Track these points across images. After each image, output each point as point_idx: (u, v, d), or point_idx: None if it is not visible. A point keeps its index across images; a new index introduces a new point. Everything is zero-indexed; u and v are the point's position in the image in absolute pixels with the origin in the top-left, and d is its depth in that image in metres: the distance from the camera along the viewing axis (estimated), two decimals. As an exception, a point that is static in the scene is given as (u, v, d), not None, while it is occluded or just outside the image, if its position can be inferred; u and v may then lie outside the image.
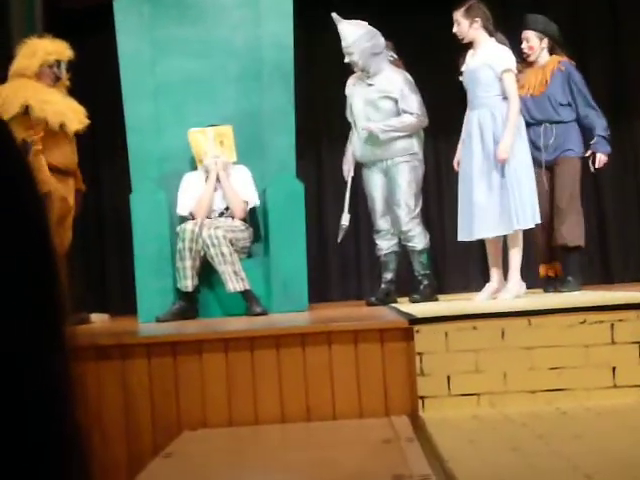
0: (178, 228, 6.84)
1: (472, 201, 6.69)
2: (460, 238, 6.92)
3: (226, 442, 4.40)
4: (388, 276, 7.25)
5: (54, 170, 6.74)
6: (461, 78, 6.98)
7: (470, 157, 6.77)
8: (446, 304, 6.46)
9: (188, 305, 6.77)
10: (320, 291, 8.64)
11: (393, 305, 6.72)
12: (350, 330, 4.75)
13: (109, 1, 7.36)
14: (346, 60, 7.12)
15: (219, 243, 6.65)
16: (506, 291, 6.70)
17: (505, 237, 6.81)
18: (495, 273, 6.89)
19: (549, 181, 7.23)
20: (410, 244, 7.14)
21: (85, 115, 6.93)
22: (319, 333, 4.75)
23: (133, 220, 7.01)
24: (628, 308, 4.72)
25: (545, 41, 7.32)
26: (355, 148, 7.23)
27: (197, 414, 4.65)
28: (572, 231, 7.20)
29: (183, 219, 7.03)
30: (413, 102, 7.09)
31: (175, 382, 4.68)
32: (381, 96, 7.09)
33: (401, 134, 7.06)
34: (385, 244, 7.22)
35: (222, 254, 6.65)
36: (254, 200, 7.11)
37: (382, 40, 7.16)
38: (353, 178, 7.34)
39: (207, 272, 6.81)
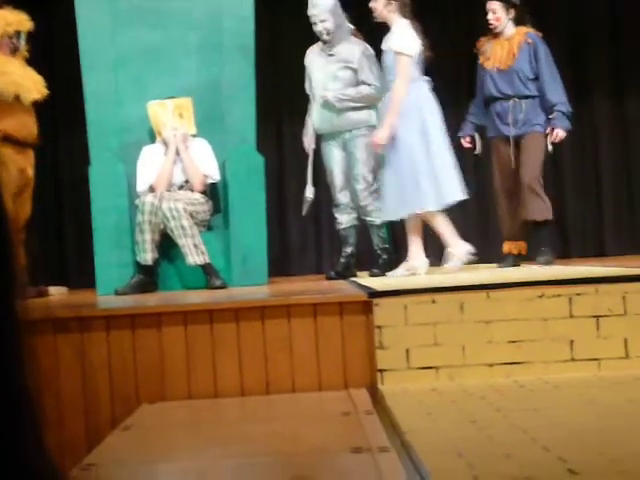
0: (137, 201, 6.80)
1: (391, 183, 6.74)
2: (384, 218, 7.00)
3: (185, 415, 4.40)
4: (348, 250, 7.26)
5: (11, 141, 6.67)
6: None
7: (387, 141, 6.81)
8: (405, 278, 6.48)
9: (147, 278, 6.73)
10: (280, 265, 8.64)
11: (352, 279, 6.73)
12: (309, 303, 4.75)
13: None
14: (317, 28, 7.07)
15: (179, 216, 6.62)
16: (452, 257, 6.70)
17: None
18: (413, 249, 6.92)
19: (516, 158, 7.15)
20: (369, 218, 7.15)
21: (44, 85, 6.85)
22: (278, 306, 4.75)
23: (92, 192, 6.94)
24: (586, 282, 4.76)
25: (512, 11, 7.18)
26: (314, 120, 7.22)
27: (156, 387, 4.64)
28: (539, 206, 7.12)
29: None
30: (371, 73, 7.07)
31: (134, 355, 4.67)
32: (341, 66, 7.07)
33: (357, 105, 7.05)
34: (345, 218, 7.22)
35: (182, 227, 6.62)
36: (214, 174, 7.07)
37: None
38: (315, 151, 7.33)
39: (167, 245, 6.78)
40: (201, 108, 7.18)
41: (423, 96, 6.74)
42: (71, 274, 9.10)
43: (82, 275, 8.61)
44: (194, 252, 6.64)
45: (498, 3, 7.18)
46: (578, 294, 4.69)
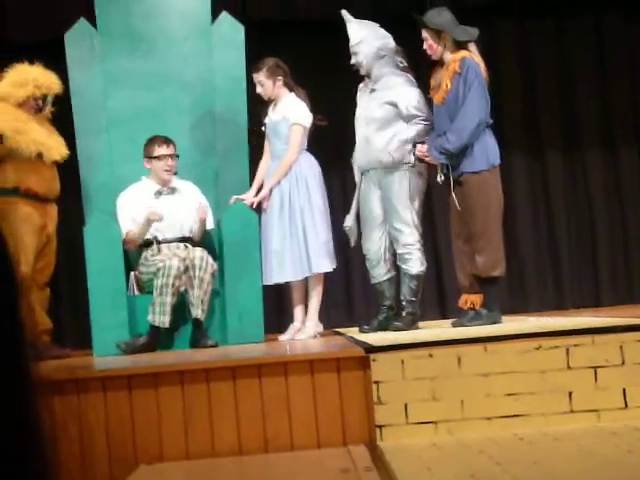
0: (161, 264, 6.69)
1: (270, 248, 6.86)
2: (274, 281, 6.97)
3: (183, 476, 4.37)
4: (386, 303, 6.89)
5: (32, 197, 6.73)
6: (263, 129, 7.13)
7: (271, 206, 6.93)
8: (402, 332, 6.45)
9: (156, 341, 6.66)
10: (278, 320, 8.59)
11: (349, 334, 6.68)
12: (306, 360, 4.74)
13: (60, 35, 7.34)
14: (351, 61, 6.82)
15: (206, 267, 6.64)
16: (303, 332, 6.91)
17: (307, 280, 6.95)
18: (298, 313, 7.03)
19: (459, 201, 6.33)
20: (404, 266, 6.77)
21: (65, 146, 6.91)
22: (275, 364, 4.74)
23: (86, 253, 6.92)
24: (583, 333, 4.75)
25: (446, 36, 6.33)
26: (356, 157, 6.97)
27: (154, 448, 4.62)
28: (486, 260, 6.31)
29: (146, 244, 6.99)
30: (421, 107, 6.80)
31: (131, 416, 4.65)
32: (381, 103, 6.70)
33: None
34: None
35: (202, 279, 6.63)
36: (212, 224, 7.17)
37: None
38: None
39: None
40: (195, 168, 7.22)
41: (309, 166, 6.95)
42: (66, 335, 9.06)
43: (77, 336, 8.57)
44: (200, 306, 6.64)
45: (427, 31, 6.40)
46: (575, 345, 4.68)
